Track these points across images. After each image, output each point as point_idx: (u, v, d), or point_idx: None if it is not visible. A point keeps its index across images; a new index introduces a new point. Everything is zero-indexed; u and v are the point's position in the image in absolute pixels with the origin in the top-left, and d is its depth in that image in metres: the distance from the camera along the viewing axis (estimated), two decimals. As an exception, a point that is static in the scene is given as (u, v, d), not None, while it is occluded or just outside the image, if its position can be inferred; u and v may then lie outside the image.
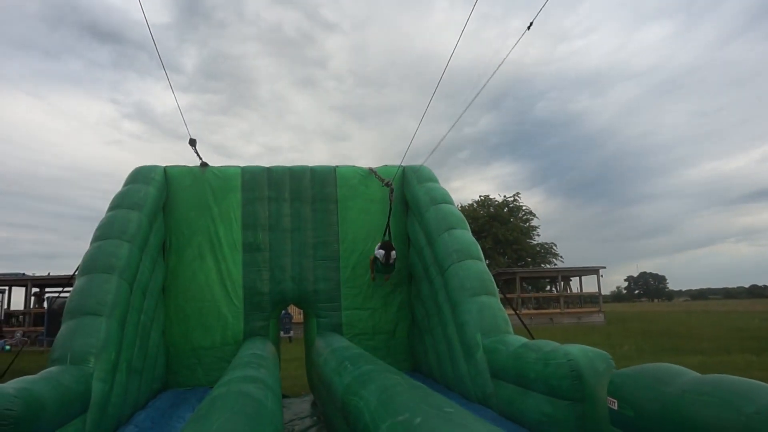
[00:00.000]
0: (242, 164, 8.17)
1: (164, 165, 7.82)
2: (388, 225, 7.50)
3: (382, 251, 7.03)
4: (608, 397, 3.40)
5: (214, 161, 8.17)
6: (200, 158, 7.86)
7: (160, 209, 7.32)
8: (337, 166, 8.25)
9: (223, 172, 7.93)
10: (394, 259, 7.09)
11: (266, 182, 7.96)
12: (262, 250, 7.73)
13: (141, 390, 5.87)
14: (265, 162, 8.23)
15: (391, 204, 7.59)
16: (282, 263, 7.75)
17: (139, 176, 7.27)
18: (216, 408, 2.55)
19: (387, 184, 7.72)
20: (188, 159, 7.97)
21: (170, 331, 7.35)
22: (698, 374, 2.95)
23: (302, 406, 7.71)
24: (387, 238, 7.43)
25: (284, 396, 8.40)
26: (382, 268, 7.27)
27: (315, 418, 6.87)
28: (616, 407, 3.30)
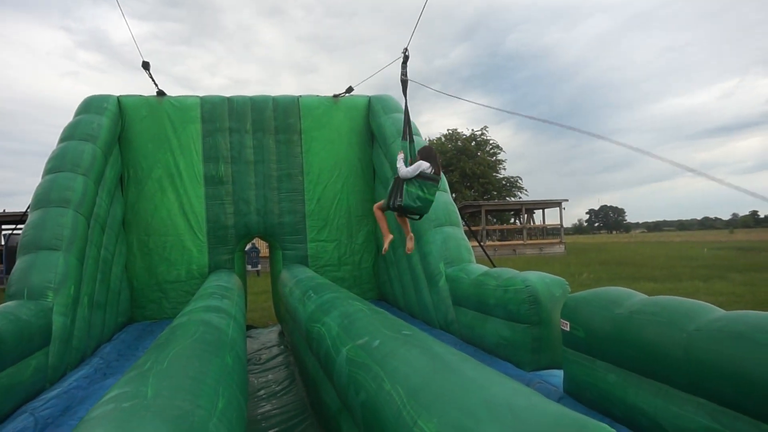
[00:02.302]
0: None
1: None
2: (407, 120, 5.08)
3: (425, 163, 4.52)
4: (561, 320, 3.54)
5: (178, 94, 7.81)
6: (156, 84, 7.49)
7: (115, 141, 7.03)
8: (300, 96, 8.00)
9: (182, 102, 7.61)
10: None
11: (227, 113, 7.69)
12: (224, 183, 7.59)
13: (106, 324, 5.85)
14: (232, 95, 7.89)
15: (406, 84, 5.13)
16: (246, 196, 7.64)
17: (91, 106, 6.90)
18: (176, 336, 2.55)
19: (403, 52, 5.10)
20: (152, 91, 7.61)
21: (133, 265, 7.28)
22: (647, 296, 3.07)
23: (270, 336, 7.86)
24: (407, 139, 5.00)
25: (252, 327, 8.54)
26: (417, 192, 4.50)
27: (282, 347, 7.02)
28: (568, 329, 3.44)
